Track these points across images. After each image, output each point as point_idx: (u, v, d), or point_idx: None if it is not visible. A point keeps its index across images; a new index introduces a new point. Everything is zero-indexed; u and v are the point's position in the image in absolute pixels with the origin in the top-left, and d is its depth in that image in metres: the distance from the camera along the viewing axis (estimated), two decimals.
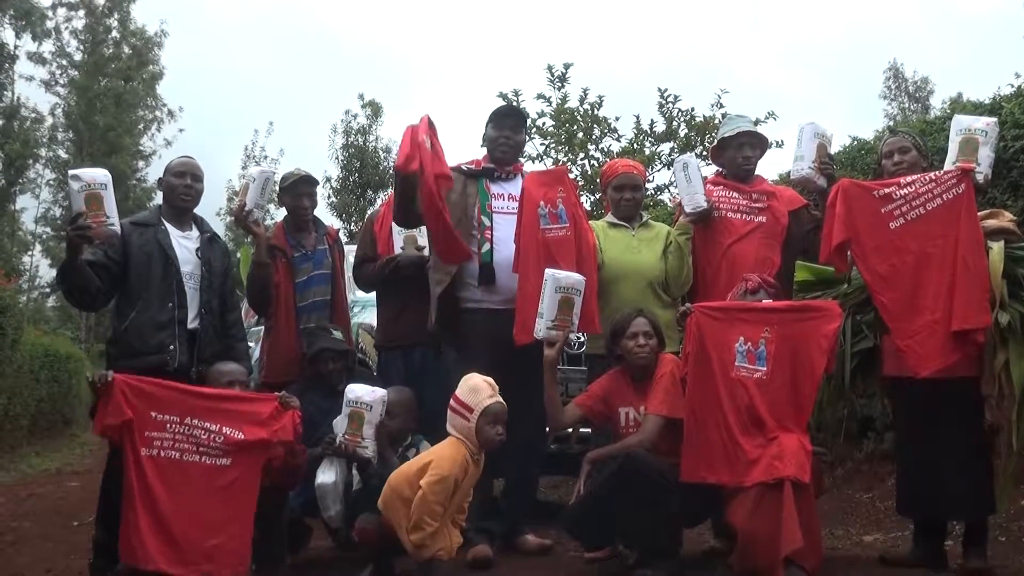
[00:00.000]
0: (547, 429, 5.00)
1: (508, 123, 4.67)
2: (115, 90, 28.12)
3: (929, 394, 3.85)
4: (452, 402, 3.71)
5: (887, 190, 4.00)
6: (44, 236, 29.18)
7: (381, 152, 24.49)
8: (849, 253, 4.08)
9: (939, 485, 3.89)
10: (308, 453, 3.99)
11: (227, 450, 3.55)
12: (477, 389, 3.67)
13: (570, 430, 4.80)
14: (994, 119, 4.09)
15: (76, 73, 27.97)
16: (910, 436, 4.10)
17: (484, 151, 4.77)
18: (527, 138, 5.28)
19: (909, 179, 3.99)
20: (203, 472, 3.53)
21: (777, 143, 11.00)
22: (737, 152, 4.66)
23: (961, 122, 4.04)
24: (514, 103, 13.29)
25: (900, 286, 3.93)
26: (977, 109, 6.00)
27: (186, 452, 3.53)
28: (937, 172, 3.98)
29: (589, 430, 4.73)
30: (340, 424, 4.11)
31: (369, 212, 5.74)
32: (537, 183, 4.41)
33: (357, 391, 3.85)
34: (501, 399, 3.67)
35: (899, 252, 3.94)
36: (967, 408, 3.88)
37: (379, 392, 3.86)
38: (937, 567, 3.99)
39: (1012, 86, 6.23)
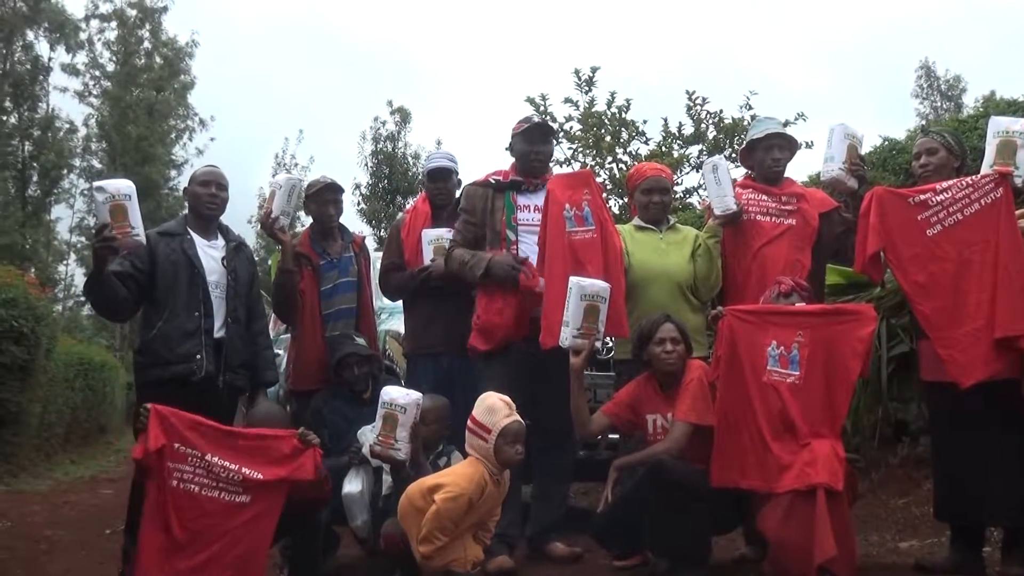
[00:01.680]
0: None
1: (538, 136, 4.68)
2: (147, 100, 28.48)
3: (970, 397, 3.76)
4: (469, 423, 3.70)
5: (923, 196, 3.92)
6: (79, 245, 29.58)
7: (410, 158, 24.64)
8: (885, 262, 4.01)
9: (981, 490, 3.81)
10: (335, 463, 3.98)
11: (246, 487, 3.55)
12: (494, 409, 3.65)
13: (599, 436, 4.76)
14: None
15: (109, 84, 28.35)
16: (950, 440, 4.01)
17: (510, 161, 4.77)
18: (556, 144, 5.27)
19: (945, 184, 3.91)
20: (222, 508, 3.52)
21: (807, 144, 10.90)
22: (766, 154, 4.60)
23: (998, 124, 3.95)
24: (541, 107, 13.31)
25: (940, 295, 3.85)
26: (1012, 107, 5.91)
27: (205, 487, 3.52)
28: (974, 176, 3.89)
29: (617, 436, 4.68)
30: (368, 433, 4.11)
31: (397, 219, 5.73)
32: (562, 185, 4.38)
33: (392, 393, 3.84)
34: (519, 418, 3.65)
35: (938, 260, 3.86)
36: (1010, 410, 3.80)
37: (414, 395, 3.84)
38: (975, 574, 3.91)
39: None
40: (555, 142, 5.05)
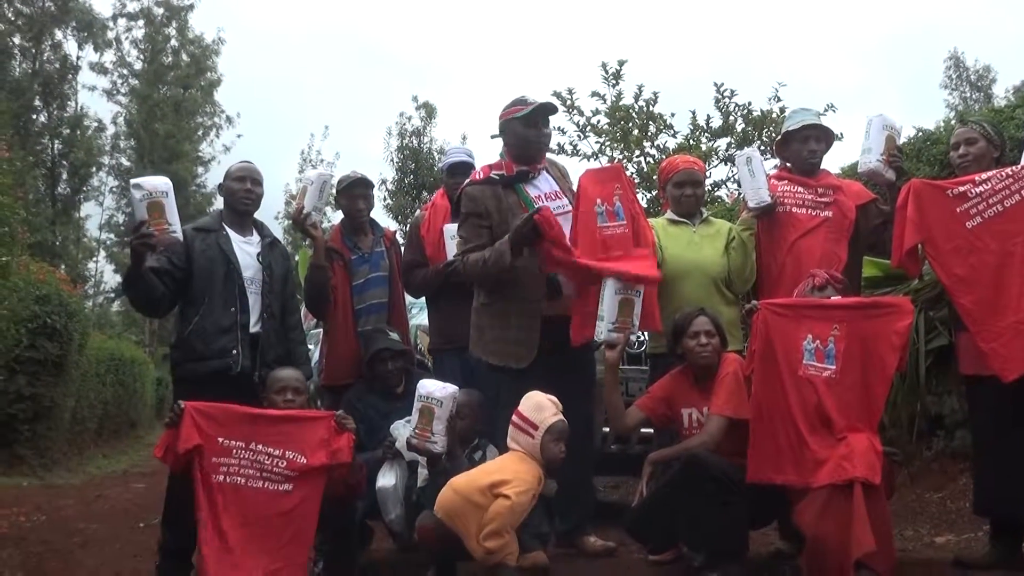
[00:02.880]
0: (605, 430, 4.97)
1: (541, 120, 4.47)
2: (175, 98, 28.74)
3: (1011, 391, 3.71)
4: (515, 418, 3.70)
5: (962, 188, 3.87)
6: (108, 242, 29.90)
7: (436, 153, 24.65)
8: (923, 255, 3.97)
9: (1022, 485, 3.77)
10: (369, 457, 3.99)
11: (289, 475, 3.56)
12: (542, 407, 3.65)
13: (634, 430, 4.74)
14: None
15: (136, 82, 28.62)
16: (992, 434, 3.95)
17: (499, 154, 4.57)
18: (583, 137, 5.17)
19: (984, 176, 3.86)
20: (266, 498, 3.55)
21: (838, 136, 10.81)
22: (802, 145, 4.56)
23: None
24: (568, 101, 13.28)
25: (981, 287, 3.80)
26: None
27: (251, 478, 3.55)
28: (1014, 167, 3.84)
29: (651, 430, 4.67)
30: (400, 427, 4.12)
31: (415, 216, 5.67)
32: (593, 181, 4.32)
33: (428, 387, 3.85)
34: (564, 417, 3.65)
35: (978, 252, 3.81)
36: None
37: (450, 388, 3.85)
38: (1015, 568, 3.86)
39: None
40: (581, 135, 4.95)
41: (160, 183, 3.87)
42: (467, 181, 4.56)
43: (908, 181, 4.09)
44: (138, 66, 28.86)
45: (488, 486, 3.53)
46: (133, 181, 3.91)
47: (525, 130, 4.42)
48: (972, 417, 4.26)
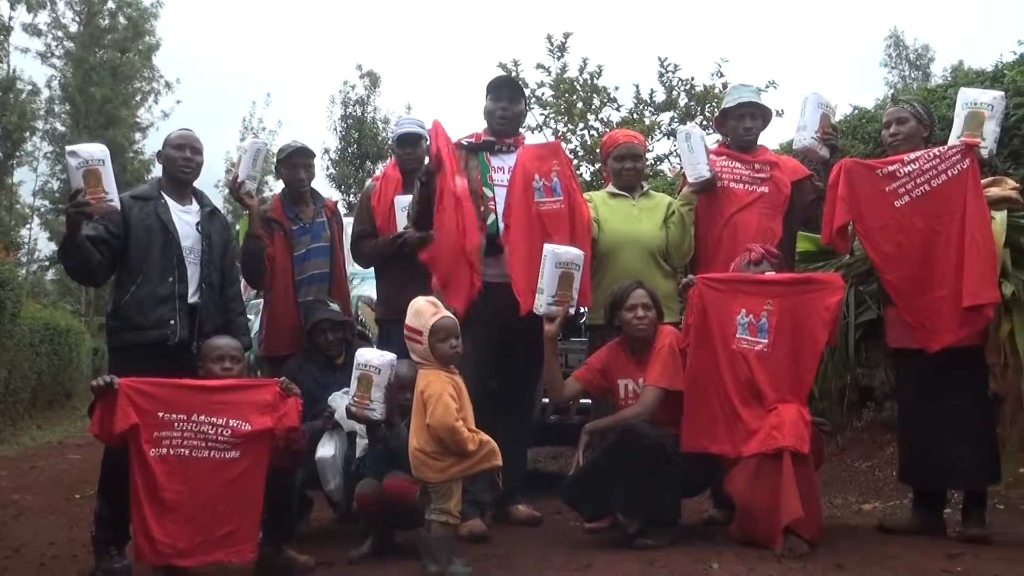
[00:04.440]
0: (545, 401, 5.04)
1: (505, 94, 4.63)
2: (111, 62, 27.92)
3: (935, 364, 3.85)
4: (405, 330, 3.68)
5: (891, 168, 3.97)
6: (42, 209, 29.12)
7: (380, 123, 24.45)
8: (853, 233, 4.07)
9: (945, 454, 3.92)
10: (308, 427, 4.00)
11: (235, 442, 3.55)
12: (420, 311, 3.64)
13: (571, 401, 4.82)
14: (1000, 93, 4.04)
15: (72, 45, 27.75)
16: (915, 406, 4.10)
17: (484, 124, 4.74)
18: (527, 109, 5.19)
19: (913, 156, 3.96)
20: (213, 466, 3.53)
21: (777, 112, 10.94)
22: (738, 122, 4.64)
23: (967, 95, 4.00)
24: (513, 73, 13.26)
25: (908, 264, 3.92)
26: (979, 77, 5.96)
27: (195, 448, 3.52)
28: (941, 148, 3.95)
29: (589, 401, 4.74)
30: (339, 398, 4.14)
31: (365, 186, 5.68)
32: (532, 156, 4.40)
33: (366, 355, 3.86)
34: (448, 313, 3.64)
35: (905, 230, 3.93)
36: (973, 377, 3.90)
37: (388, 356, 3.86)
38: (936, 535, 4.01)
39: (1015, 53, 6.18)
40: (526, 104, 4.99)
41: (96, 150, 3.80)
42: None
43: (842, 159, 4.18)
44: (73, 28, 27.99)
45: (422, 426, 3.52)
46: (69, 148, 3.83)
47: (489, 103, 4.64)
48: (898, 389, 4.41)
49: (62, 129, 27.36)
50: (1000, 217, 3.92)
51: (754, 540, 3.69)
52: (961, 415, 3.89)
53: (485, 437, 3.52)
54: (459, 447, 3.44)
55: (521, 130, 4.87)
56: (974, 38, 44.92)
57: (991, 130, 3.89)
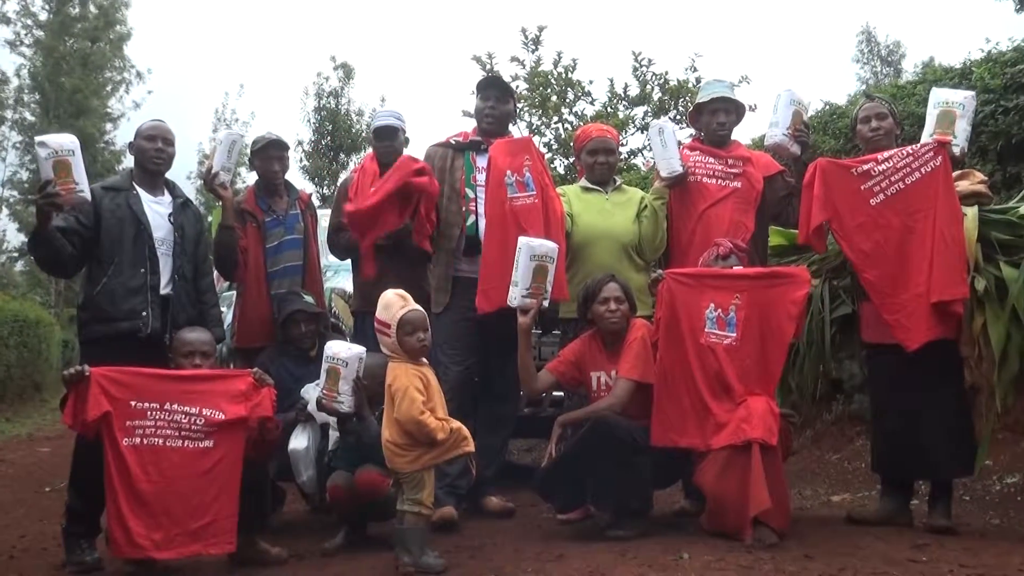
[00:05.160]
0: (520, 394, 5.06)
1: (493, 93, 4.70)
2: (82, 51, 27.58)
3: (910, 357, 3.90)
4: (375, 324, 3.70)
5: (865, 167, 4.03)
6: (11, 200, 28.74)
7: (353, 115, 24.32)
8: (830, 232, 4.12)
9: (920, 447, 3.98)
10: (282, 418, 4.00)
11: (209, 432, 3.54)
12: (389, 305, 3.64)
13: (544, 393, 4.84)
14: (971, 92, 4.13)
15: (41, 33, 27.38)
16: (890, 398, 4.15)
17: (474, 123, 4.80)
18: (516, 109, 5.22)
19: (886, 154, 4.03)
20: (187, 456, 3.52)
21: (751, 107, 11.00)
22: (712, 118, 4.67)
23: (939, 95, 4.07)
24: (487, 66, 13.25)
25: (885, 262, 3.97)
26: (948, 74, 6.04)
27: (168, 438, 3.51)
28: (914, 146, 4.01)
29: (562, 394, 4.76)
30: (311, 389, 4.14)
31: (342, 178, 5.67)
32: (503, 152, 4.42)
33: (335, 347, 3.86)
34: (416, 307, 3.65)
35: (882, 228, 3.99)
36: (948, 370, 3.95)
37: (356, 349, 3.86)
38: (903, 525, 4.07)
39: (982, 51, 6.26)
40: (515, 104, 5.03)
41: (66, 141, 3.77)
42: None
43: (813, 155, 4.23)
44: (43, 16, 27.64)
45: (390, 403, 3.54)
46: (38, 139, 3.79)
47: (477, 103, 4.75)
48: (871, 382, 4.46)
49: (31, 119, 26.98)
50: (971, 213, 3.97)
51: (724, 531, 3.73)
52: (936, 407, 3.95)
53: (456, 424, 3.53)
54: (428, 438, 3.45)
55: (509, 131, 4.90)
56: (944, 36, 45.33)
57: (962, 128, 3.97)
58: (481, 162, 4.60)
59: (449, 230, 4.64)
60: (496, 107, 4.68)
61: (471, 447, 3.57)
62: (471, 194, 4.51)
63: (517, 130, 12.99)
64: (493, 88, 4.71)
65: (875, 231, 4.00)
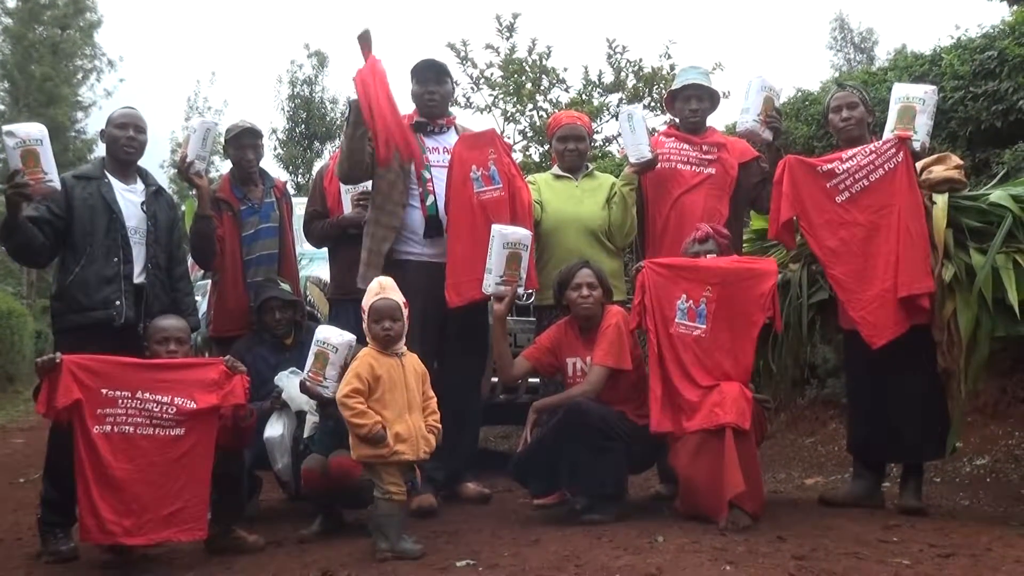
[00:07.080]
0: (494, 380, 5.07)
1: (430, 76, 4.65)
2: (51, 38, 27.25)
3: (884, 345, 3.94)
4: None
5: (829, 166, 4.09)
6: None
7: (328, 103, 24.22)
8: (799, 228, 4.16)
9: (894, 430, 4.06)
10: (257, 407, 3.99)
11: (180, 420, 3.54)
12: (368, 291, 3.67)
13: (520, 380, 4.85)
14: (933, 87, 4.19)
15: (9, 20, 27.03)
16: (865, 382, 4.22)
17: (413, 106, 4.74)
18: (454, 87, 5.19)
19: (850, 153, 4.09)
20: (158, 444, 3.51)
21: (724, 94, 11.04)
22: (685, 104, 4.70)
23: (900, 91, 4.13)
24: (462, 53, 13.24)
25: (851, 259, 4.03)
26: (918, 61, 6.08)
27: (140, 426, 3.50)
28: (876, 143, 4.08)
29: (538, 380, 4.78)
30: (285, 377, 4.14)
31: (318, 167, 5.65)
32: (467, 146, 4.42)
33: (326, 332, 3.87)
34: (389, 296, 3.63)
35: (847, 225, 4.04)
36: (922, 354, 4.00)
37: (348, 336, 3.86)
38: (874, 507, 4.14)
39: (952, 37, 6.30)
40: (453, 87, 5.01)
41: (34, 130, 3.74)
42: None
43: (785, 142, 4.26)
44: (11, 3, 27.28)
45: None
46: (5, 128, 3.76)
47: (415, 86, 4.68)
48: (847, 366, 4.53)
49: (1, 108, 26.68)
50: (941, 201, 4.01)
51: (699, 514, 3.76)
52: (910, 391, 4.02)
53: (400, 430, 3.49)
54: (348, 422, 3.45)
55: (451, 112, 4.88)
56: (916, 22, 45.62)
57: (923, 123, 4.02)
58: (431, 143, 4.60)
59: (393, 207, 4.48)
60: (436, 90, 4.65)
61: (410, 456, 3.51)
62: (427, 175, 4.48)
63: (491, 116, 13.02)
64: (429, 71, 4.66)
65: (840, 228, 4.05)
